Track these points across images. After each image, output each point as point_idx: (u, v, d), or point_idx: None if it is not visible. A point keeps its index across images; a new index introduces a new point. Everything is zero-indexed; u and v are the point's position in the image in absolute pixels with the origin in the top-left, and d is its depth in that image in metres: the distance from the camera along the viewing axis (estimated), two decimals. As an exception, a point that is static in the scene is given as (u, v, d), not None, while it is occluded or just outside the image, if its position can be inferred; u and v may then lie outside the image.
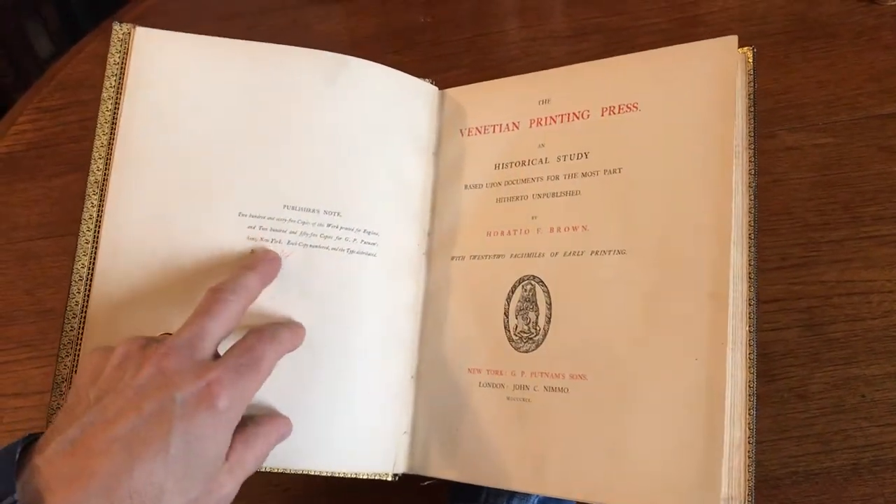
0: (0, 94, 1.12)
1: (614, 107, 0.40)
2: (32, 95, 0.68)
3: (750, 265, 0.37)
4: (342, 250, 0.42)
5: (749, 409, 0.35)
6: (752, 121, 0.38)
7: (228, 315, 0.35)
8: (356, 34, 0.69)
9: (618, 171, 0.39)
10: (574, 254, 0.39)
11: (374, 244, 0.42)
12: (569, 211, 0.40)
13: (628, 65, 0.41)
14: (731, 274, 0.36)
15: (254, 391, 0.34)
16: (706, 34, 0.63)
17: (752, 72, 0.39)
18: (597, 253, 0.38)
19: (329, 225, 0.41)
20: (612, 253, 0.38)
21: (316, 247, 0.41)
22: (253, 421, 0.36)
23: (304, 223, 0.41)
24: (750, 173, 0.37)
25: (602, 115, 0.41)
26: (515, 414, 0.39)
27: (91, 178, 0.40)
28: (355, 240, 0.42)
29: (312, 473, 0.40)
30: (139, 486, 0.29)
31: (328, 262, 0.41)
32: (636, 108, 0.40)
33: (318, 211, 0.41)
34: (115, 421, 0.30)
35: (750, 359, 0.36)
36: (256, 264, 0.38)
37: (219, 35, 0.43)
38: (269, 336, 0.36)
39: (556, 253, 0.40)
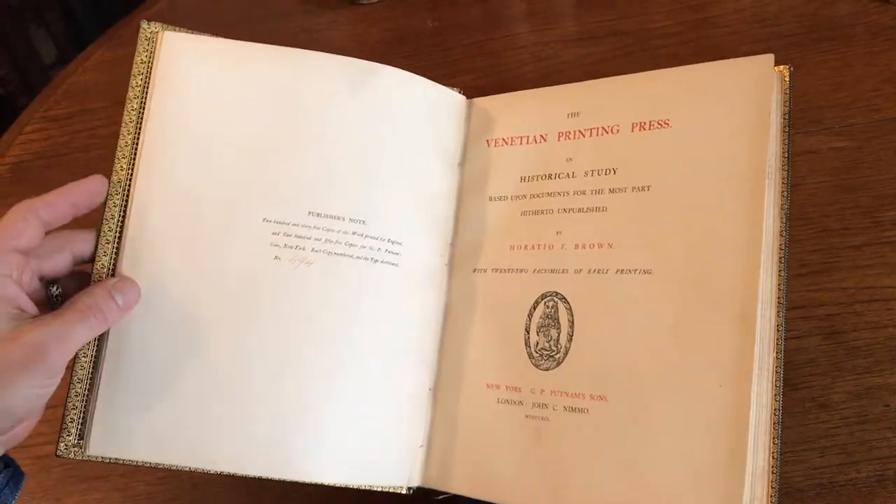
0: (5, 101, 1.11)
1: (645, 123, 0.39)
2: (39, 104, 0.68)
3: (780, 290, 0.36)
4: (366, 259, 0.41)
5: (773, 438, 0.34)
6: (786, 141, 0.37)
7: None
8: (364, 40, 0.69)
9: (647, 188, 0.38)
10: (599, 271, 0.38)
11: (397, 254, 0.42)
12: (595, 227, 0.39)
13: (661, 80, 0.40)
14: (760, 299, 0.35)
15: (12, 257, 0.35)
16: (719, 36, 0.63)
17: (788, 90, 0.38)
18: (622, 271, 0.38)
19: (354, 233, 0.41)
20: (637, 272, 0.37)
21: (340, 255, 0.41)
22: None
23: (328, 230, 0.41)
24: (783, 195, 0.37)
25: (632, 130, 0.40)
26: (533, 433, 0.38)
27: (114, 178, 0.40)
28: (379, 249, 0.42)
29: (326, 484, 0.40)
30: None
31: (351, 270, 0.41)
32: (668, 124, 0.39)
33: (344, 219, 0.41)
34: None
35: (776, 386, 0.35)
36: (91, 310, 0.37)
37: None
38: (33, 202, 0.36)
39: (581, 270, 0.39)
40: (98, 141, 0.64)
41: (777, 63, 0.38)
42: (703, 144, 0.38)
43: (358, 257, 0.41)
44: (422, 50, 0.67)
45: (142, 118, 0.40)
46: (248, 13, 0.69)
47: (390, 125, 0.43)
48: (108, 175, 0.40)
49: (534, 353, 0.40)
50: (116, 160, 0.40)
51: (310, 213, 0.41)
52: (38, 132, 0.66)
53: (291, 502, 0.49)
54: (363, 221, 0.41)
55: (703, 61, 0.41)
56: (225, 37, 0.43)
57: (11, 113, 0.70)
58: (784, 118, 0.37)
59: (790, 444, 0.46)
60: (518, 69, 0.65)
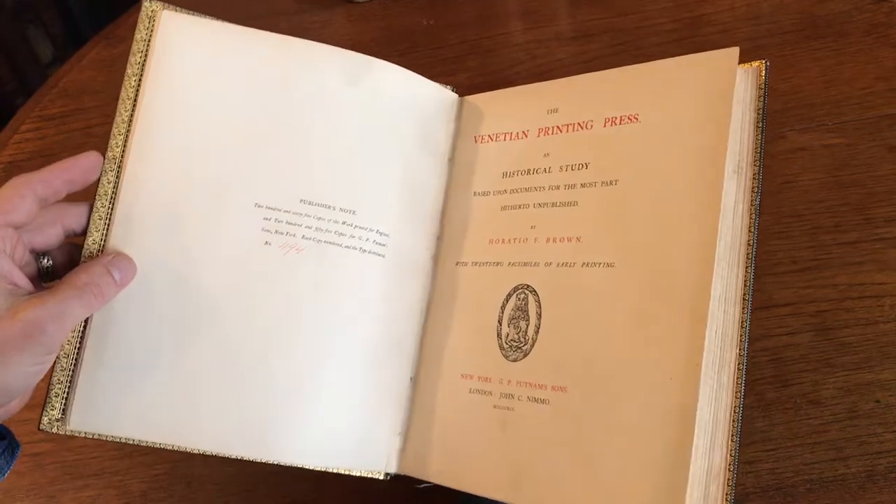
0: (2, 101, 1.12)
1: (616, 118, 0.40)
2: (35, 103, 0.68)
3: (746, 286, 0.35)
4: (354, 249, 0.42)
5: (732, 436, 0.34)
6: (759, 137, 0.37)
7: None
8: (359, 38, 0.69)
9: (614, 182, 0.38)
10: (566, 265, 0.39)
11: (384, 245, 0.43)
12: (565, 221, 0.40)
13: (633, 75, 0.40)
14: (718, 295, 0.34)
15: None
16: (713, 34, 0.63)
17: (763, 86, 0.37)
18: (587, 265, 0.38)
19: (344, 223, 0.42)
20: (601, 266, 0.37)
21: (330, 243, 0.41)
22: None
23: (319, 219, 0.41)
24: (753, 191, 0.36)
25: (604, 125, 0.40)
26: (499, 422, 0.39)
27: (109, 154, 0.39)
28: (367, 239, 0.42)
29: (306, 467, 0.40)
30: None
31: (340, 259, 0.41)
32: (636, 119, 0.39)
33: (335, 208, 0.41)
34: None
35: (738, 383, 0.34)
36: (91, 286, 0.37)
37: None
38: (27, 176, 0.36)
39: (550, 263, 0.39)
40: (93, 140, 0.64)
41: (760, 58, 0.38)
42: (668, 139, 0.38)
43: (347, 247, 0.41)
44: (417, 48, 0.67)
45: (139, 96, 0.40)
46: (243, 11, 0.69)
47: (383, 119, 0.43)
48: (104, 152, 0.39)
49: (504, 344, 0.40)
50: (112, 136, 0.40)
51: (301, 200, 0.41)
52: (34, 131, 0.66)
53: (285, 499, 0.49)
54: (353, 212, 0.42)
55: None
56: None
57: (8, 113, 0.70)
58: (758, 113, 0.37)
59: (781, 441, 0.46)
60: (513, 67, 0.65)
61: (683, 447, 0.32)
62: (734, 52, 0.37)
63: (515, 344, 0.40)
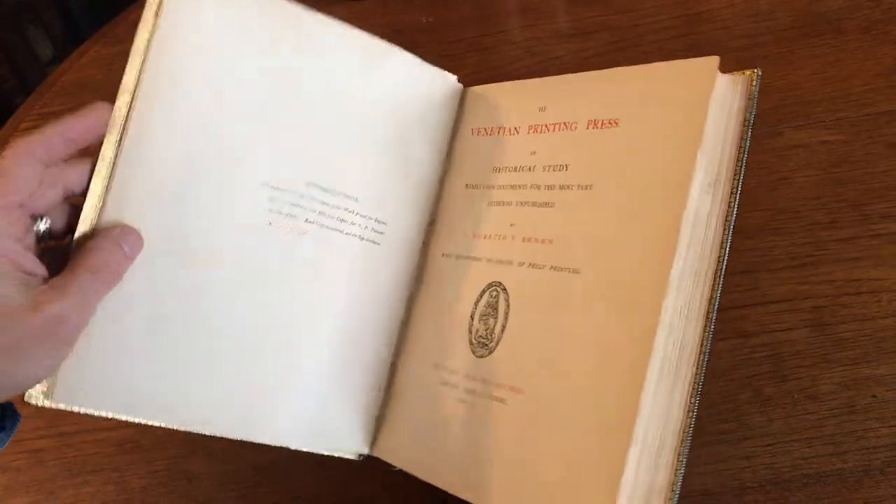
0: (2, 100, 1.12)
1: (599, 121, 0.39)
2: (34, 101, 0.68)
3: (711, 302, 0.34)
4: (353, 235, 0.42)
5: (679, 456, 0.33)
6: (742, 150, 0.35)
7: None
8: (358, 36, 0.69)
9: (590, 187, 0.38)
10: (536, 267, 0.39)
11: (381, 233, 0.43)
12: (541, 223, 0.39)
13: (617, 79, 0.40)
14: (680, 308, 0.33)
15: (9, 212, 0.33)
16: (710, 31, 0.63)
17: (752, 97, 0.35)
18: (555, 269, 0.38)
19: (346, 209, 0.42)
20: (567, 271, 0.37)
21: (333, 229, 0.41)
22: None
23: (324, 203, 0.41)
24: (729, 205, 0.35)
25: (587, 128, 0.40)
26: (461, 416, 0.39)
27: (115, 114, 0.37)
28: (366, 227, 0.42)
29: (287, 447, 0.41)
30: None
31: (339, 245, 0.41)
32: (617, 124, 0.38)
33: (339, 194, 0.41)
34: None
35: (691, 403, 0.34)
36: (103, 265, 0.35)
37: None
38: (29, 139, 0.35)
39: (523, 263, 0.39)
40: (93, 137, 0.64)
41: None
42: (643, 147, 0.37)
43: (347, 233, 0.42)
44: (416, 45, 0.67)
45: (148, 52, 0.37)
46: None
47: (394, 107, 0.43)
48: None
49: (473, 339, 0.40)
50: (119, 95, 0.37)
51: (307, 183, 0.40)
52: (33, 130, 0.66)
53: (286, 495, 0.50)
54: (356, 199, 0.42)
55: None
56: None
57: (8, 112, 0.70)
58: (743, 126, 0.35)
59: (778, 435, 0.46)
60: (512, 64, 0.65)
61: (618, 460, 0.32)
62: (713, 61, 0.35)
63: (483, 340, 0.40)
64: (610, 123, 0.38)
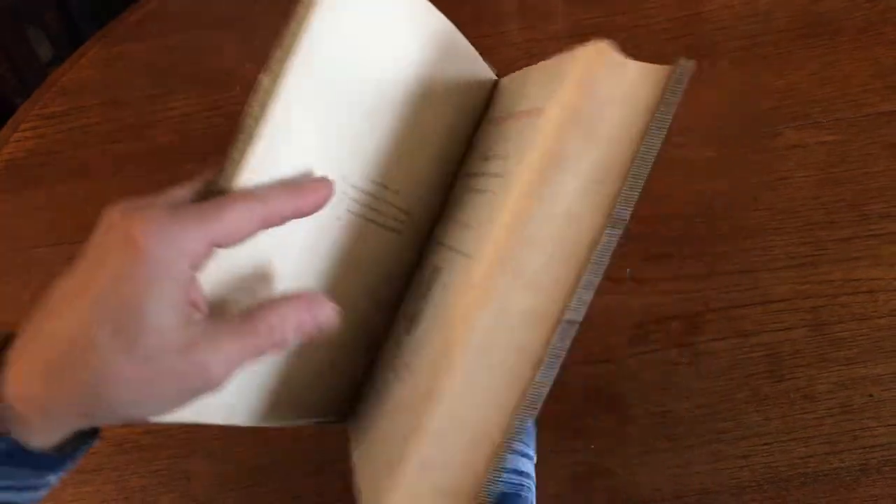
0: (2, 100, 1.12)
1: (531, 110, 0.38)
2: (34, 102, 0.68)
3: (564, 305, 0.30)
4: (383, 226, 0.42)
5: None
6: (642, 147, 0.30)
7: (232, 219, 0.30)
8: (357, 36, 0.69)
9: (500, 176, 0.38)
10: (453, 250, 0.39)
11: (403, 222, 0.43)
12: (474, 208, 0.40)
13: (550, 68, 0.39)
14: (527, 307, 0.30)
15: (202, 242, 0.29)
16: (709, 32, 0.63)
17: (670, 93, 0.29)
18: (460, 253, 0.38)
19: (381, 199, 0.42)
20: (465, 256, 0.36)
21: (370, 220, 0.41)
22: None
23: (365, 193, 0.39)
24: (611, 207, 0.30)
25: (525, 118, 0.40)
26: (381, 391, 0.40)
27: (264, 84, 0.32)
28: (394, 218, 0.42)
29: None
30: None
31: (372, 235, 0.41)
32: (540, 114, 0.36)
33: (384, 186, 0.40)
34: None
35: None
36: (301, 192, 0.33)
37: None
38: (252, 196, 0.31)
39: (451, 247, 0.40)
40: (92, 138, 0.65)
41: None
42: (532, 139, 0.34)
43: (381, 224, 0.41)
44: (414, 47, 0.68)
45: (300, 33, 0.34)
46: (239, 11, 0.69)
47: (452, 103, 0.42)
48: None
49: (408, 318, 0.42)
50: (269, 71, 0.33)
51: (372, 181, 0.39)
52: (32, 130, 0.66)
53: (286, 494, 0.50)
54: (397, 192, 0.42)
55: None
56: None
57: (8, 112, 0.70)
58: (650, 125, 0.30)
59: (776, 435, 0.47)
60: (510, 65, 0.65)
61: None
62: (601, 46, 0.30)
63: (412, 319, 0.41)
64: (536, 114, 0.37)
